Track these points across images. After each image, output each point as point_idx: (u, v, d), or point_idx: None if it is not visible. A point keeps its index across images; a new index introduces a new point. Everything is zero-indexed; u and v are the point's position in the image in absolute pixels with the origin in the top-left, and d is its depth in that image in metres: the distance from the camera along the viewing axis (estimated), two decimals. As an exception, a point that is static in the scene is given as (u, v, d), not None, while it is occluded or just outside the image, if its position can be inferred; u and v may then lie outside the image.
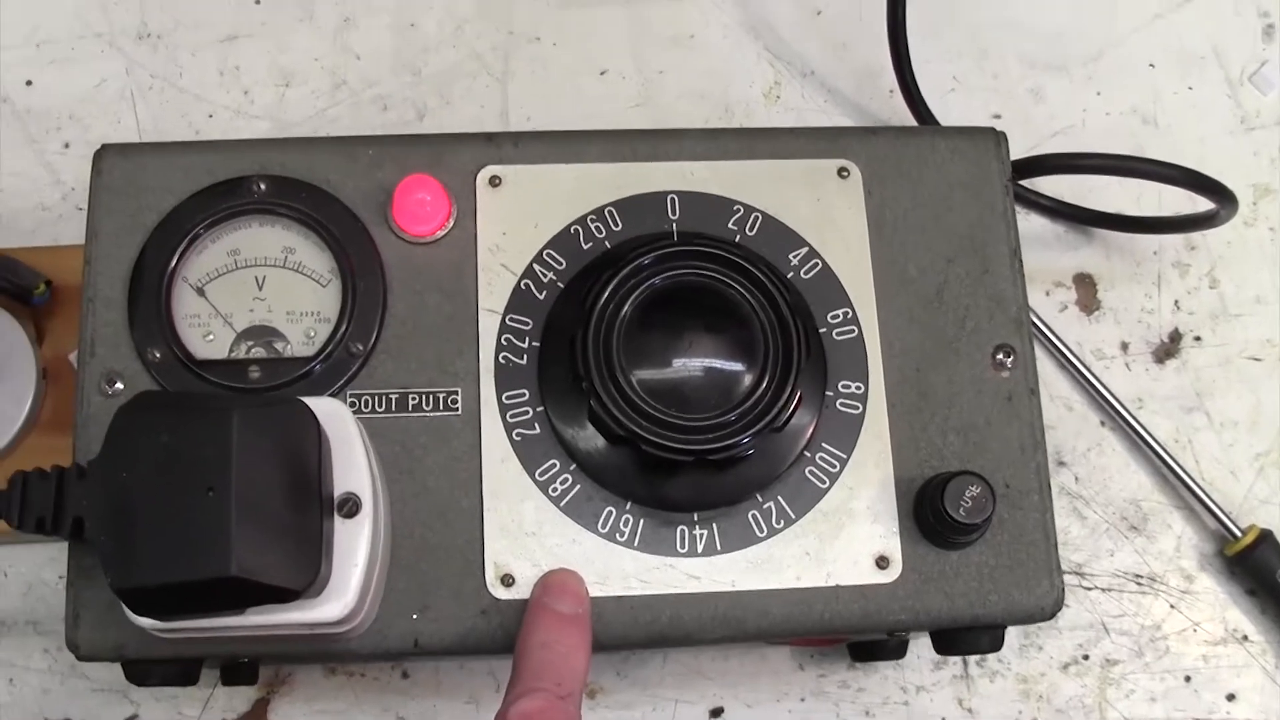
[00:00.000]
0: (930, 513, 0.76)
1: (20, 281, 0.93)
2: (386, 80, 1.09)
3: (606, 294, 0.75)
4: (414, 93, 1.09)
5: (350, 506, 0.70)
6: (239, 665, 0.87)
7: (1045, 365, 1.03)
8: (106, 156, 0.82)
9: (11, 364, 0.94)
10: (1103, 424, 1.03)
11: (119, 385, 0.78)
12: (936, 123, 1.03)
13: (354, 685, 0.96)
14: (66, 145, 1.06)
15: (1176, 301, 1.06)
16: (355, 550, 0.70)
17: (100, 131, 1.06)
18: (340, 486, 0.70)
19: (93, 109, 1.07)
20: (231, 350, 0.79)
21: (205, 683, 0.92)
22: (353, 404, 0.78)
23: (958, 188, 0.84)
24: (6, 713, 0.94)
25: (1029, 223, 1.07)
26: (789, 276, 0.81)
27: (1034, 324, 1.02)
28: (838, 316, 0.81)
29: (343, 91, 1.08)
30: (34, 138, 1.06)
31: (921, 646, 0.95)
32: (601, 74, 1.10)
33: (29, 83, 1.08)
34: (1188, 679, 0.99)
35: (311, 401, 0.70)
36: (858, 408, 0.80)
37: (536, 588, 0.75)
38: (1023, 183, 1.05)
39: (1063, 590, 0.79)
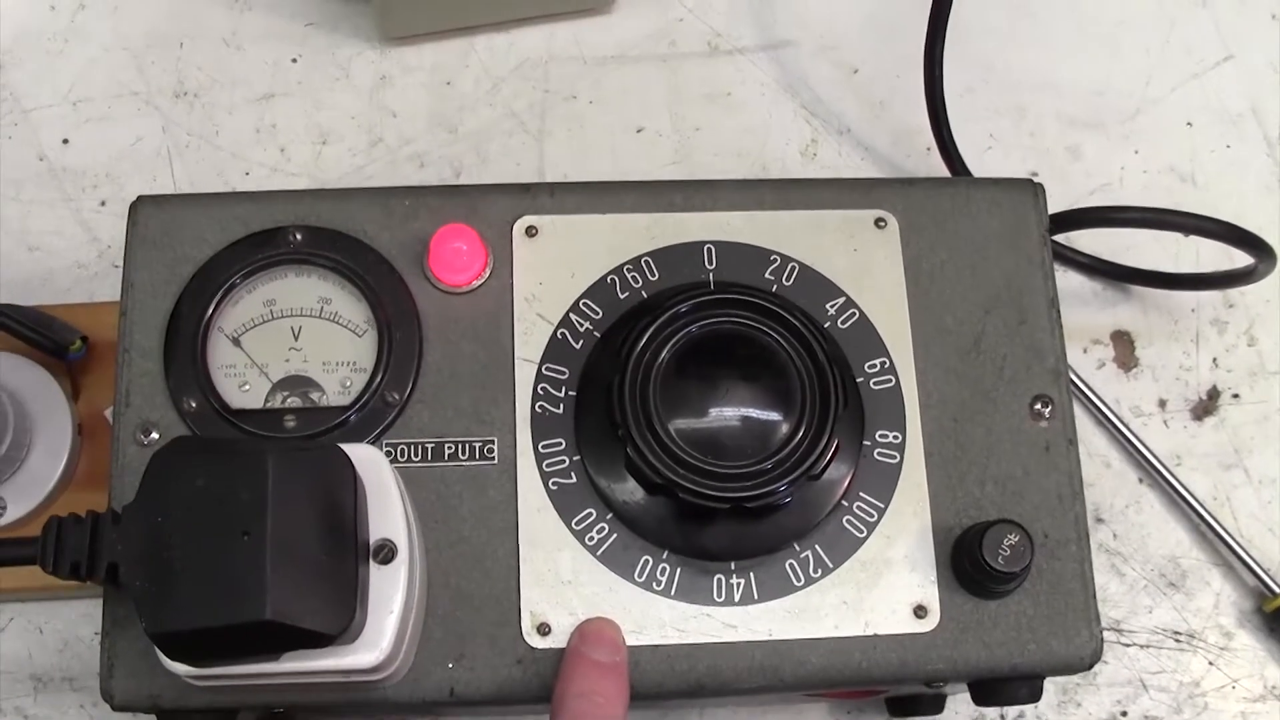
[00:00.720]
0: (968, 561, 0.76)
1: (56, 337, 0.94)
2: (423, 138, 1.09)
3: (643, 342, 0.75)
4: (450, 150, 1.09)
5: (386, 553, 0.70)
6: (274, 717, 0.86)
7: (1083, 422, 1.03)
8: (142, 208, 0.82)
9: (48, 420, 0.94)
10: (1141, 481, 1.03)
11: (155, 435, 0.78)
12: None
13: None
14: (103, 203, 1.06)
15: (1215, 359, 1.06)
16: (391, 597, 0.69)
17: (136, 189, 1.03)
18: (376, 533, 0.70)
19: (129, 167, 1.08)
20: (267, 400, 0.79)
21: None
22: (388, 453, 0.78)
23: (994, 239, 0.84)
24: (39, 778, 0.94)
25: (1066, 280, 1.06)
26: (826, 326, 0.80)
27: (1072, 381, 1.01)
28: (875, 366, 0.80)
29: (379, 149, 1.09)
30: (70, 196, 1.07)
31: (959, 702, 0.94)
32: (638, 131, 1.10)
33: (65, 141, 1.09)
34: (1227, 736, 0.97)
35: (348, 448, 0.70)
36: (895, 457, 0.79)
37: (574, 636, 0.75)
38: (1060, 239, 1.04)
39: (1101, 640, 0.78)
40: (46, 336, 0.94)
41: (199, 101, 1.10)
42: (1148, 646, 0.99)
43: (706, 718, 0.97)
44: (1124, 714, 0.97)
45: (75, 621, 0.96)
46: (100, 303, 1.00)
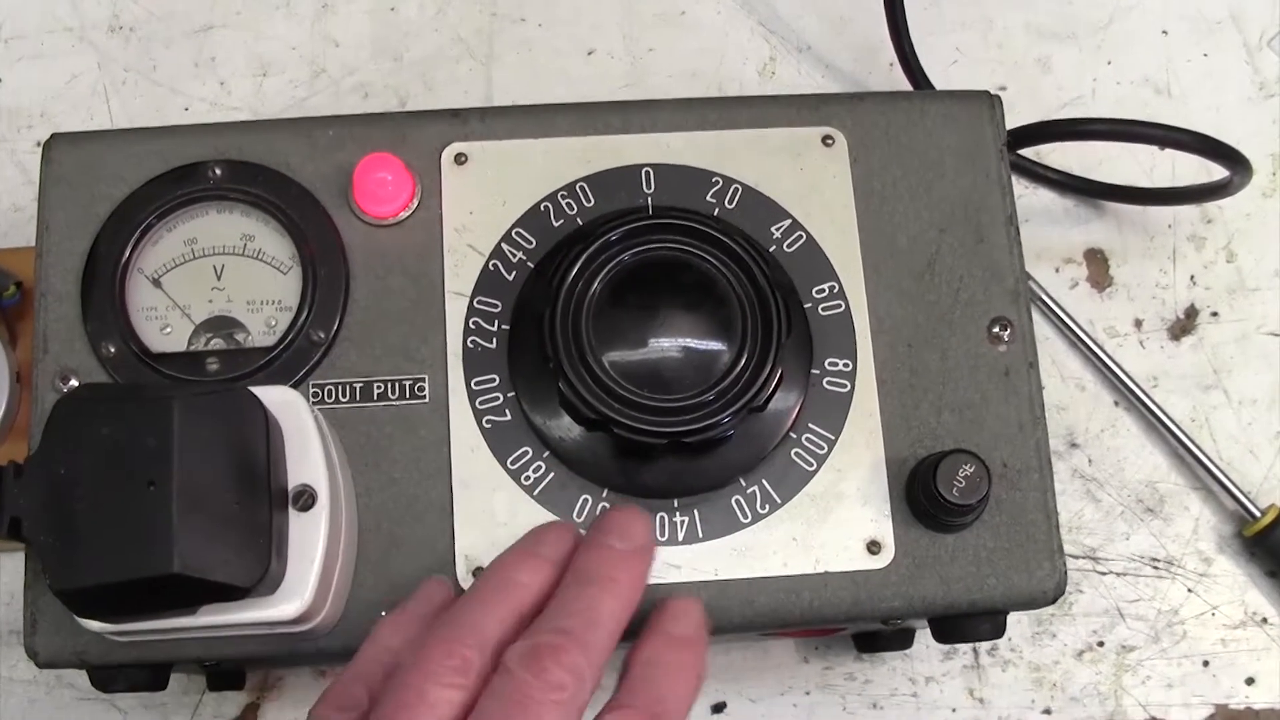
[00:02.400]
0: (923, 494, 0.73)
1: (-11, 283, 0.92)
2: (367, 67, 1.07)
3: (575, 271, 0.72)
4: (395, 79, 1.06)
5: (305, 499, 0.67)
6: (224, 670, 0.84)
7: (1056, 344, 1.00)
8: (56, 146, 0.79)
9: (-17, 368, 0.92)
10: (1116, 404, 1.00)
11: (73, 382, 0.75)
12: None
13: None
14: (38, 144, 1.01)
15: (1192, 276, 1.03)
16: (312, 545, 0.67)
17: (72, 128, 1.00)
18: (295, 478, 0.67)
19: (65, 105, 1.05)
20: (190, 343, 0.76)
21: (193, 689, 0.91)
22: (315, 394, 0.75)
23: (949, 154, 0.81)
24: (-10, 727, 0.92)
25: (1036, 197, 1.03)
26: (771, 250, 0.78)
27: (1043, 302, 0.99)
28: (823, 291, 0.77)
29: (322, 80, 1.06)
30: (4, 136, 1.04)
31: (929, 635, 0.91)
32: (589, 54, 1.07)
33: (-2, 80, 1.06)
34: (1205, 664, 0.95)
35: (262, 390, 0.67)
36: (846, 386, 0.76)
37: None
38: (1029, 154, 1.02)
39: (1065, 573, 0.75)
40: (-20, 283, 0.91)
41: (135, 36, 1.07)
42: (1124, 574, 0.96)
43: (670, 657, 0.94)
44: (1100, 644, 0.95)
45: (22, 574, 0.94)
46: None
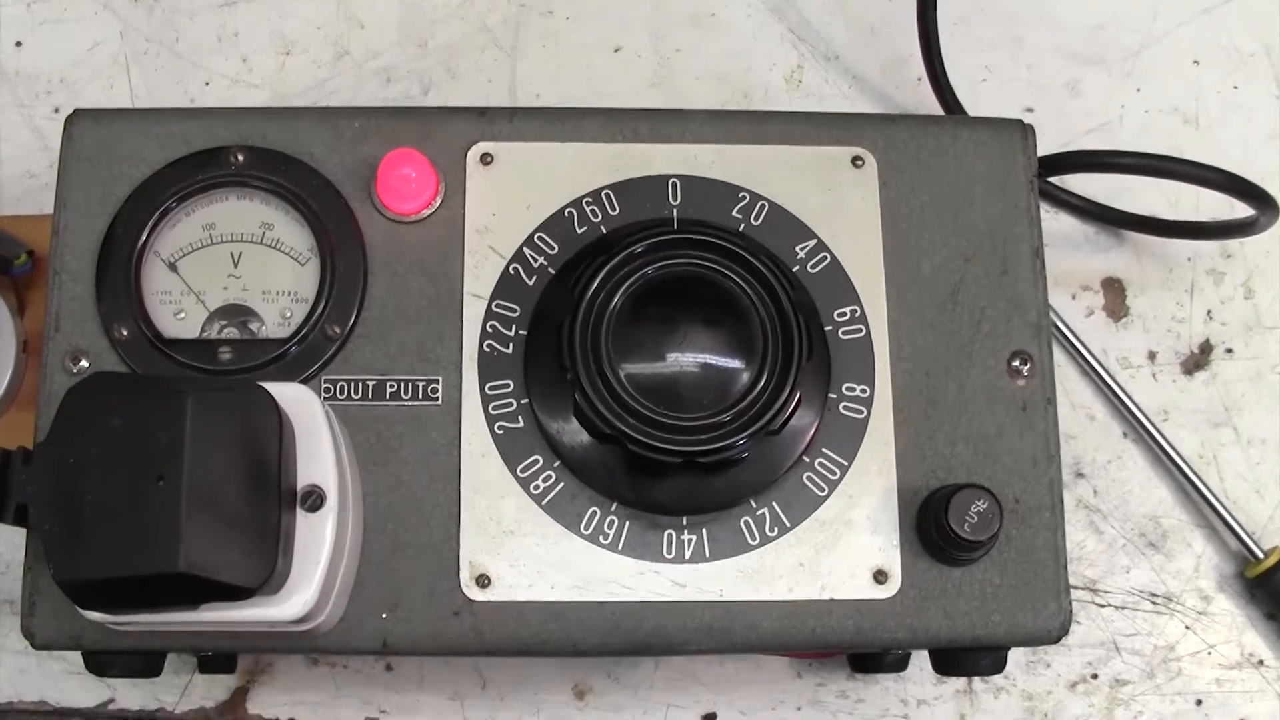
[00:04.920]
0: (933, 527, 0.72)
1: (1, 251, 0.90)
2: (391, 51, 1.05)
3: (597, 282, 0.72)
4: (419, 65, 1.05)
5: (314, 500, 0.66)
6: (217, 655, 0.84)
7: (1068, 372, 0.99)
8: (78, 122, 0.78)
9: (-10, 337, 0.91)
10: (1125, 435, 0.99)
11: (84, 364, 0.75)
12: (965, 113, 0.99)
13: (335, 676, 0.93)
14: (56, 110, 1.03)
15: (1209, 311, 1.02)
16: (318, 546, 0.66)
17: (92, 97, 1.03)
18: (304, 478, 0.67)
19: (85, 73, 1.04)
20: (203, 330, 0.75)
21: (183, 669, 0.91)
22: (327, 390, 0.75)
23: (979, 182, 0.80)
24: (-19, 692, 0.92)
25: (1057, 222, 1.03)
26: (795, 270, 0.77)
27: (1057, 329, 0.98)
28: (845, 314, 0.77)
29: (345, 62, 1.05)
30: (23, 101, 1.03)
31: (925, 658, 0.91)
32: (616, 51, 1.06)
33: (19, 44, 1.05)
34: (1199, 702, 0.95)
35: (276, 387, 0.66)
36: (862, 412, 0.76)
37: None
38: (1052, 180, 1.00)
39: (1070, 613, 0.75)
40: (-9, 249, 0.90)
41: (159, 6, 1.06)
42: (1123, 608, 0.96)
43: (663, 665, 0.94)
44: (1094, 676, 0.94)
45: (17, 544, 0.93)
46: (49, 215, 0.96)
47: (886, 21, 1.08)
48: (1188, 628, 0.96)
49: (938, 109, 1.00)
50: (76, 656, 0.77)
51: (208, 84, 1.04)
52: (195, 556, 0.60)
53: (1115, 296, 1.02)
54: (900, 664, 0.89)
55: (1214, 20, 1.09)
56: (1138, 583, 0.96)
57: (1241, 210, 0.91)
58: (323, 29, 1.06)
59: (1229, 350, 1.01)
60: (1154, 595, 0.96)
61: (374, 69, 1.05)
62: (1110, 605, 0.96)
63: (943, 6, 0.98)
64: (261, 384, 0.66)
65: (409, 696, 0.93)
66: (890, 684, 0.94)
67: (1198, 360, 1.01)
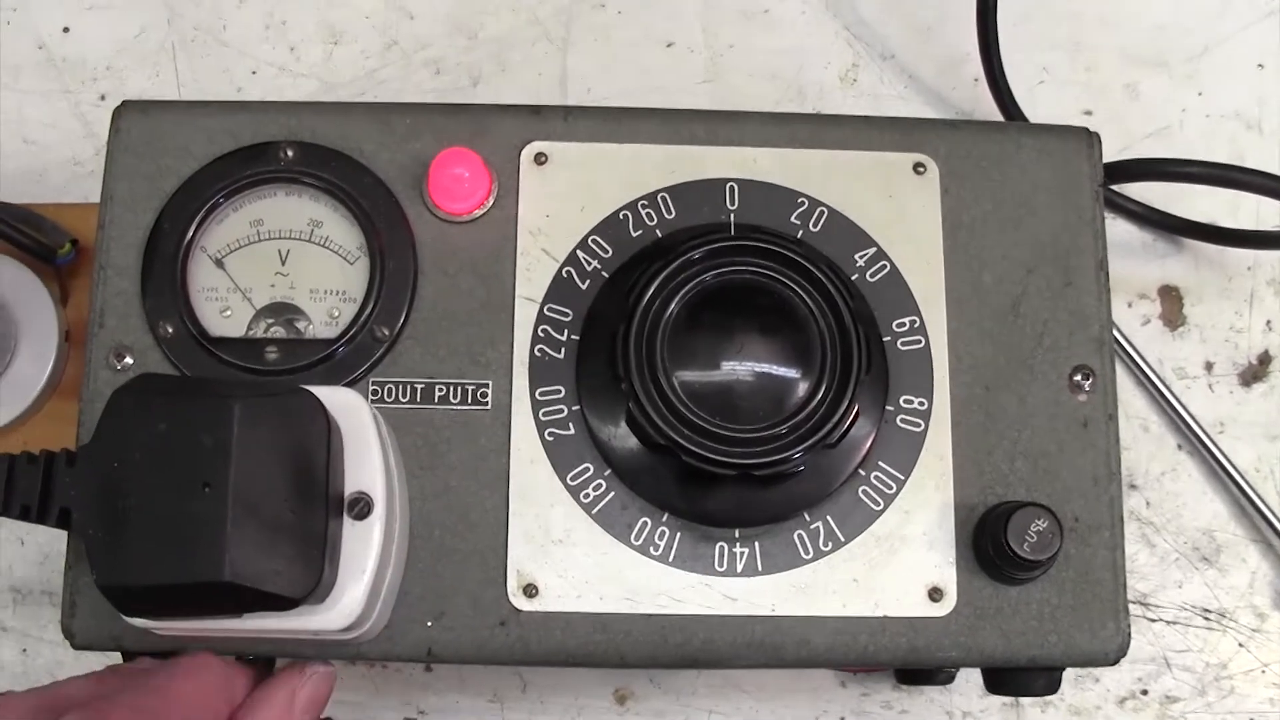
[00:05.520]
0: (991, 545, 0.71)
1: (45, 240, 0.91)
2: (440, 42, 1.04)
3: (653, 289, 0.70)
4: (468, 57, 1.04)
5: (361, 508, 0.65)
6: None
7: (1123, 382, 0.98)
8: (126, 114, 0.77)
9: (34, 325, 0.91)
10: (1180, 448, 0.98)
11: (128, 360, 0.74)
12: (1023, 116, 0.97)
13: (374, 676, 0.92)
14: (102, 97, 1.02)
15: (1269, 321, 1.00)
16: (364, 556, 0.65)
17: (137, 84, 1.02)
18: (351, 485, 0.65)
19: (131, 60, 1.03)
20: (249, 328, 0.74)
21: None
22: (375, 392, 0.73)
23: (1043, 191, 0.78)
24: (18, 685, 0.89)
25: (1113, 228, 1.01)
26: (854, 279, 0.75)
27: (1115, 338, 0.96)
28: (904, 325, 0.75)
29: (393, 52, 1.04)
30: (68, 88, 1.02)
31: (972, 670, 0.90)
32: (668, 46, 1.05)
33: (66, 29, 1.04)
34: (1251, 722, 0.93)
35: (324, 392, 0.65)
36: (919, 425, 0.74)
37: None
38: (1111, 187, 0.99)
39: (1129, 634, 0.73)
40: (35, 239, 0.90)
41: (207, -8, 1.05)
42: (1175, 623, 0.94)
43: (705, 672, 0.93)
44: (1144, 692, 0.93)
45: (57, 535, 0.91)
46: (94, 204, 0.94)
47: (943, 20, 1.06)
48: (1241, 645, 0.94)
49: (994, 110, 0.99)
50: (106, 652, 0.77)
51: (254, 73, 1.03)
52: (240, 566, 0.59)
53: (1172, 305, 1.00)
54: (948, 677, 0.88)
55: (1279, 22, 1.07)
56: (1190, 598, 0.95)
57: (1306, 219, 0.90)
58: (371, 19, 1.05)
59: (1288, 362, 0.99)
60: (1207, 611, 0.94)
61: (423, 60, 1.04)
62: (1161, 620, 0.94)
63: (1001, 6, 0.96)
64: (309, 388, 0.65)
65: (448, 698, 0.92)
66: (936, 695, 0.93)
67: (1256, 372, 0.99)
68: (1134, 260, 1.01)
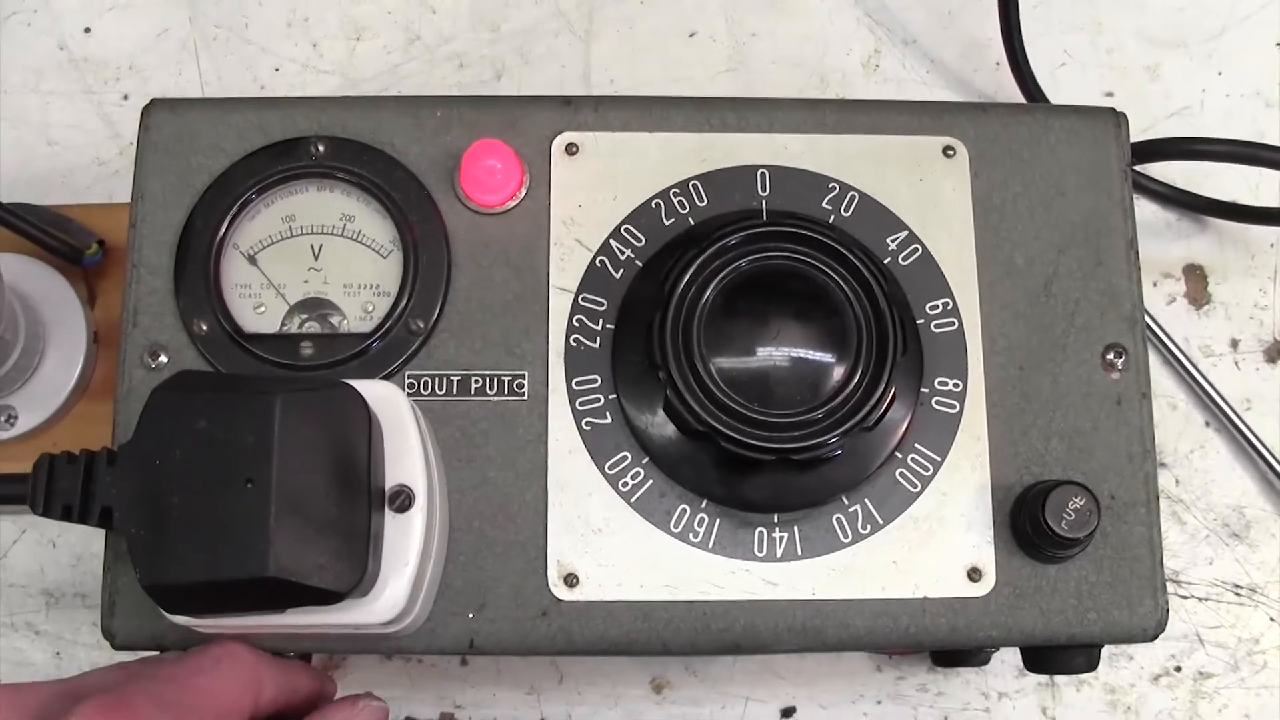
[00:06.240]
0: (1029, 524, 0.71)
1: (72, 241, 0.91)
2: (463, 36, 1.04)
3: (688, 276, 0.70)
4: (492, 50, 1.04)
5: (403, 500, 0.65)
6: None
7: (1149, 361, 0.97)
8: (155, 112, 0.77)
9: (61, 327, 0.91)
10: (1207, 425, 0.98)
11: (163, 359, 0.74)
12: (1045, 99, 0.97)
13: (410, 671, 0.92)
14: (125, 97, 1.02)
15: (1293, 298, 1.00)
16: (406, 548, 0.65)
17: (161, 83, 1.02)
18: (392, 478, 0.66)
19: (154, 59, 1.03)
20: (284, 324, 0.74)
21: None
22: (411, 385, 0.73)
23: (1072, 172, 0.78)
24: (52, 687, 0.91)
25: (1138, 208, 1.00)
26: (886, 262, 0.75)
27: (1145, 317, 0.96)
28: (937, 307, 0.75)
29: (417, 47, 1.04)
30: (91, 88, 1.02)
31: (1007, 650, 0.90)
32: (691, 36, 1.05)
33: (88, 30, 1.04)
34: (1285, 696, 0.93)
35: (363, 385, 0.65)
36: (955, 406, 0.74)
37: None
38: (1135, 167, 0.99)
39: (1167, 610, 0.73)
40: (63, 240, 0.90)
41: (229, -9, 1.05)
42: (1206, 599, 0.94)
43: (742, 659, 0.93)
44: (1178, 669, 0.93)
45: (89, 537, 0.93)
46: (119, 204, 0.94)
47: (964, 5, 1.06)
48: (1272, 619, 0.94)
49: (1017, 94, 0.99)
50: (147, 651, 0.77)
51: (278, 70, 1.03)
52: (285, 561, 0.59)
53: (1197, 284, 1.00)
54: (984, 658, 0.88)
55: (1298, 0, 1.07)
56: (1221, 574, 0.95)
57: (1328, 195, 0.90)
58: (394, 14, 1.05)
59: (1314, 338, 0.99)
60: (1238, 586, 0.94)
61: (446, 54, 1.04)
62: (1193, 597, 0.94)
63: (1022, -11, 0.97)
64: (349, 382, 0.65)
65: (485, 690, 0.92)
66: (971, 677, 0.93)
67: (1281, 348, 0.99)
68: (1158, 240, 1.01)
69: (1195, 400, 0.98)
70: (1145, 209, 1.01)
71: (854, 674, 0.93)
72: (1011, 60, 0.98)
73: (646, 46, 1.05)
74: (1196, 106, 1.04)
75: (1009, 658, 0.92)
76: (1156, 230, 1.01)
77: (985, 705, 0.92)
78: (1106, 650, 0.91)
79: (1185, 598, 0.94)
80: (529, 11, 1.05)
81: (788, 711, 0.92)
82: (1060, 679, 0.93)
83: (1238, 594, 0.94)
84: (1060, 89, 1.01)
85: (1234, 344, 0.99)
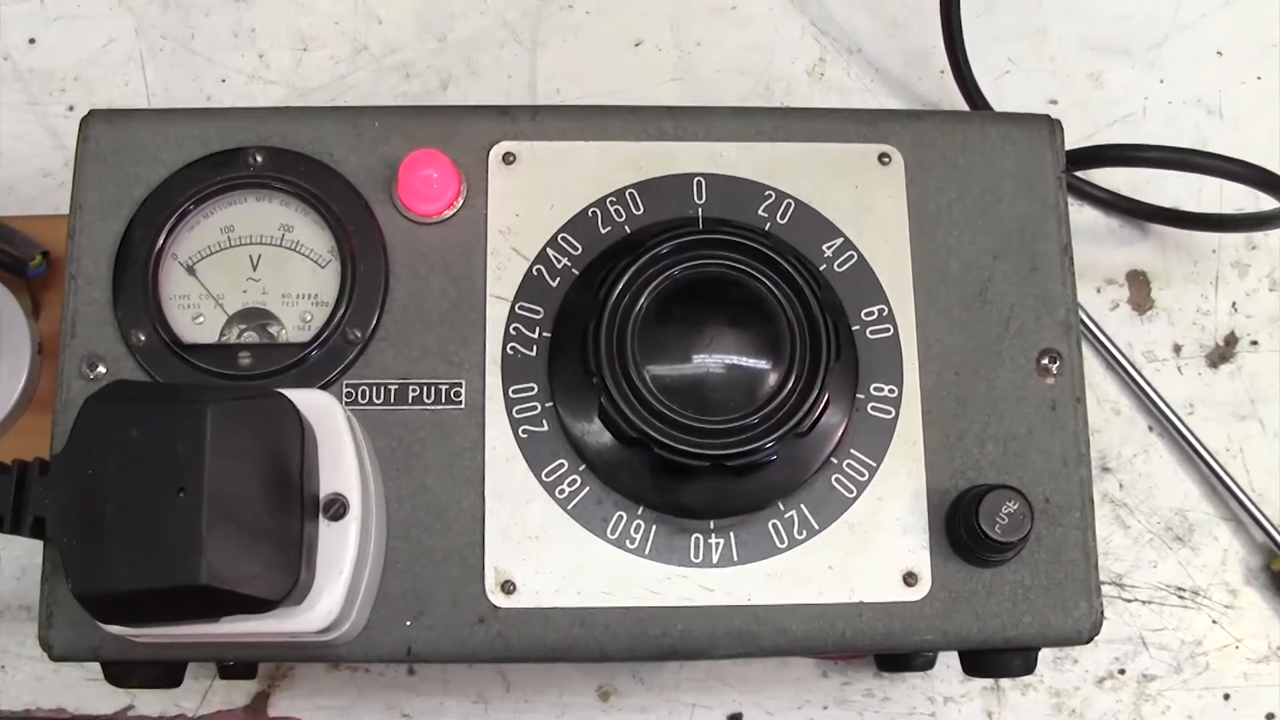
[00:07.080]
0: (964, 528, 0.72)
1: (16, 252, 0.90)
2: (410, 46, 1.04)
3: (622, 284, 0.71)
4: (439, 60, 1.04)
5: (337, 508, 0.65)
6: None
7: (1093, 366, 0.98)
8: (94, 123, 0.77)
9: (6, 339, 0.90)
10: (1151, 429, 0.98)
11: (101, 369, 0.74)
12: (989, 107, 0.98)
13: (357, 681, 0.92)
14: (70, 108, 1.02)
15: (1234, 303, 1.01)
16: (341, 556, 0.65)
17: (106, 95, 1.02)
18: (327, 486, 0.66)
19: (99, 70, 1.03)
20: (222, 334, 0.74)
21: (203, 675, 0.90)
22: (349, 394, 0.74)
23: (1007, 178, 0.79)
24: (-2, 700, 0.91)
25: (1081, 215, 1.02)
26: (822, 269, 0.76)
27: (1082, 323, 0.97)
28: (872, 314, 0.76)
29: (363, 57, 1.04)
30: (36, 99, 1.02)
31: (953, 655, 0.90)
32: (636, 45, 1.05)
33: (32, 41, 1.04)
34: (1226, 697, 0.94)
35: (297, 394, 0.65)
36: (890, 412, 0.75)
37: None
38: (1077, 174, 0.99)
39: (1101, 613, 0.74)
40: (6, 251, 0.90)
41: (174, 2, 1.05)
42: (1150, 603, 0.95)
43: (688, 666, 0.93)
44: (1122, 671, 0.94)
45: (34, 549, 0.92)
46: (64, 215, 0.94)
47: (909, 14, 1.07)
48: (1215, 621, 0.95)
49: (961, 101, 0.99)
50: (95, 665, 0.77)
51: (224, 81, 1.03)
52: (217, 569, 0.59)
53: (1140, 289, 1.01)
54: (928, 663, 0.89)
55: (1237, 11, 1.08)
56: (1164, 577, 0.96)
57: (1267, 202, 0.90)
58: (341, 24, 1.05)
59: (1254, 342, 1.00)
60: (1181, 589, 0.95)
61: (393, 64, 1.04)
62: (1137, 600, 0.95)
63: (965, -1, 0.97)
64: (283, 391, 0.65)
65: (432, 699, 0.92)
66: (917, 682, 0.93)
67: (1223, 353, 1.00)
68: (1102, 246, 1.02)
69: (1139, 405, 0.98)
70: (1088, 215, 1.02)
71: (800, 680, 0.93)
72: (954, 68, 0.98)
73: (592, 56, 1.05)
74: (1139, 113, 1.05)
75: (954, 662, 0.91)
76: (1100, 236, 1.02)
77: (931, 710, 0.93)
78: (1050, 653, 0.92)
79: (1129, 601, 0.95)
80: (475, 21, 1.05)
81: (734, 718, 0.92)
82: (1005, 683, 0.93)
83: (1181, 597, 0.95)
84: (1005, 96, 1.02)
85: (1177, 349, 1.00)
